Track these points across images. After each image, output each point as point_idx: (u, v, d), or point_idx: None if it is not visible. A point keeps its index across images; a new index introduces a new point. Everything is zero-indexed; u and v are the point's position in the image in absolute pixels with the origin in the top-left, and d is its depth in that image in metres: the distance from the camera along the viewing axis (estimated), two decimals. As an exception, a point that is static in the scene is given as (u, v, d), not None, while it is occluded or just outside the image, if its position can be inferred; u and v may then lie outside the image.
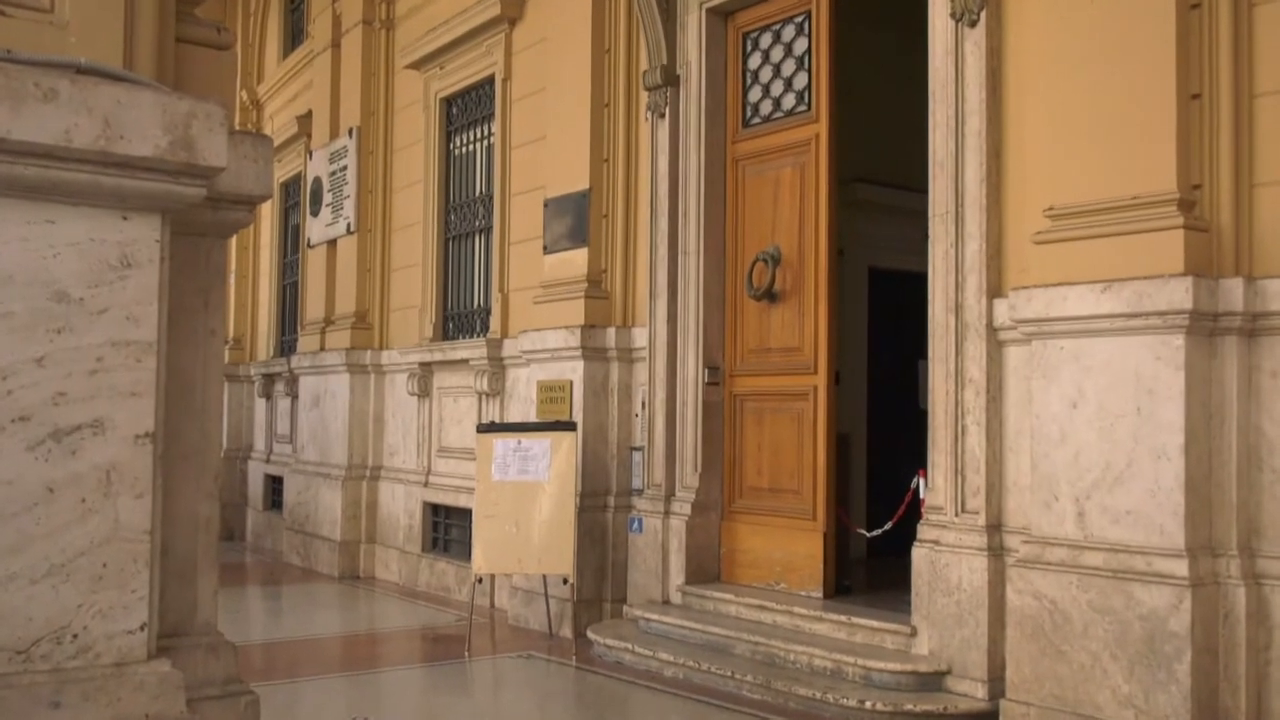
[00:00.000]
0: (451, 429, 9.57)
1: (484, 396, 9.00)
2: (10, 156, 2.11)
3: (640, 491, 7.50)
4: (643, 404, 7.56)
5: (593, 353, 7.70)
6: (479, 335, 9.37)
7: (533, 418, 8.00)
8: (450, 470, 9.55)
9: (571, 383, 7.73)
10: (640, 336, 7.63)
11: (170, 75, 2.59)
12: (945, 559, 5.50)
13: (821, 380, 6.73)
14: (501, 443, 7.40)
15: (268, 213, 13.47)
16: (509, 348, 8.68)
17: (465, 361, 9.14)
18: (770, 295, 6.95)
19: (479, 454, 7.54)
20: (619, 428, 7.69)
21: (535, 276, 8.39)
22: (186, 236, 2.58)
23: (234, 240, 13.69)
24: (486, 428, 7.66)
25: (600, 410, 7.71)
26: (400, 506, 10.12)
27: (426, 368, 9.77)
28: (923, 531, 5.69)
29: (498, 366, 8.82)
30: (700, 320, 7.26)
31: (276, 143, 12.80)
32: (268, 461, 13.30)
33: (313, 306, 11.71)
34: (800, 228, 6.87)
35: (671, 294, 7.37)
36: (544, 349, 7.94)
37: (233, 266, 13.97)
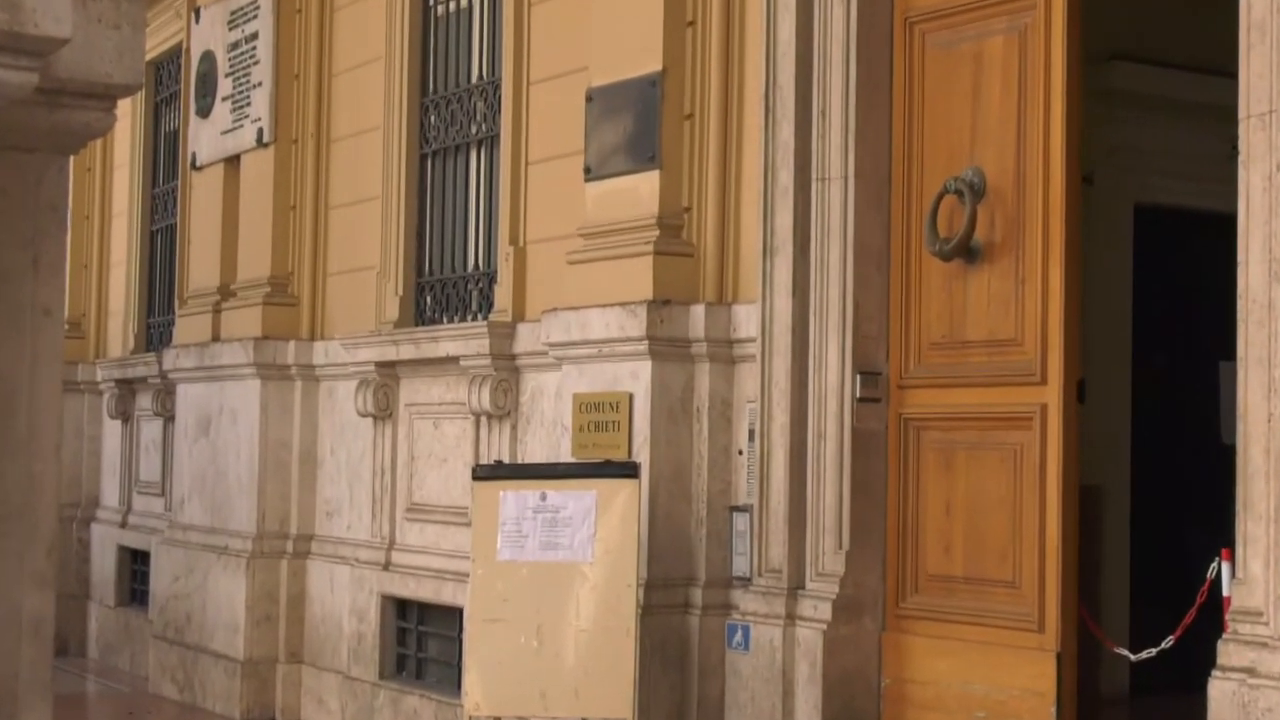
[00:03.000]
0: (429, 473, 9.56)
1: (484, 419, 9.00)
2: None
3: (747, 581, 7.49)
4: (751, 433, 7.53)
5: (668, 346, 7.70)
6: (476, 316, 9.36)
7: (567, 455, 8.00)
8: (427, 542, 9.54)
9: (631, 396, 7.73)
10: (747, 319, 7.62)
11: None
12: (1266, 699, 5.41)
13: (1054, 395, 6.73)
14: (514, 497, 7.41)
15: (125, 113, 13.40)
16: (526, 338, 8.68)
17: (454, 361, 9.14)
18: (967, 252, 6.96)
19: (476, 516, 7.51)
20: (710, 473, 7.68)
21: (571, 218, 8.38)
22: (5, 152, 2.61)
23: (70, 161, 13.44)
24: (489, 472, 7.65)
25: (680, 443, 7.71)
26: (344, 602, 10.11)
27: (388, 371, 9.80)
28: (1226, 652, 5.62)
29: (508, 369, 8.82)
30: (848, 293, 7.26)
31: (142, -4, 12.93)
32: (124, 525, 13.39)
33: (200, 268, 11.77)
34: (1019, 137, 6.86)
35: (800, 248, 7.36)
36: (586, 340, 7.97)
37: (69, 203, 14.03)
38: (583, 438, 7.96)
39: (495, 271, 9.22)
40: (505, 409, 8.85)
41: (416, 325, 9.85)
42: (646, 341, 7.68)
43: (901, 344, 7.30)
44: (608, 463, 7.57)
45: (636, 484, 7.38)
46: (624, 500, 7.33)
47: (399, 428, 9.85)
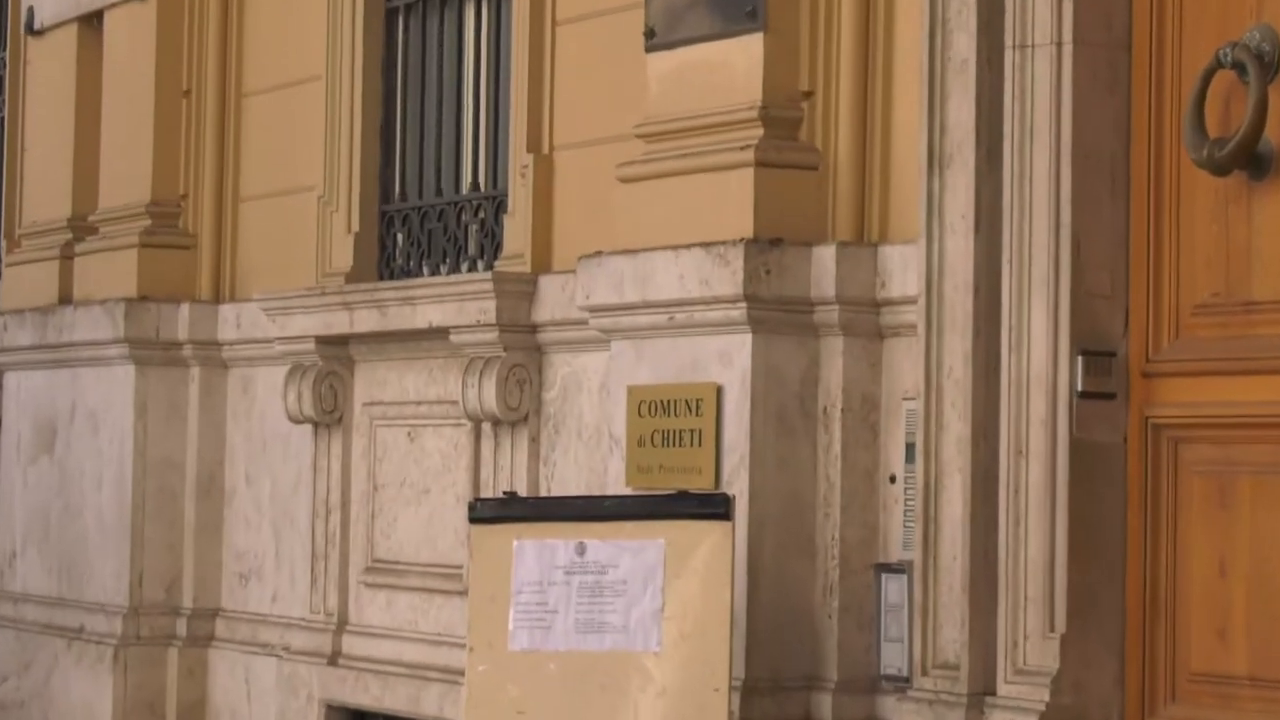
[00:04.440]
0: (402, 512, 9.68)
1: (488, 427, 9.12)
2: None
3: (904, 683, 7.33)
4: (909, 449, 7.45)
5: (778, 311, 7.63)
6: (474, 265, 9.60)
7: (619, 484, 8.05)
8: (398, 621, 9.65)
9: (720, 390, 7.71)
10: (903, 269, 7.51)
11: None
12: None
13: (1394, 393, 6.60)
14: (537, 550, 7.38)
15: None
16: (553, 298, 8.81)
17: (440, 334, 9.26)
18: (1253, 159, 6.64)
19: (476, 580, 7.53)
20: (845, 512, 7.64)
21: (624, 110, 8.44)
22: None
23: None
24: (496, 510, 7.66)
25: (798, 465, 7.69)
26: (267, 716, 10.36)
27: (337, 350, 9.95)
28: None
29: (525, 347, 8.93)
30: (1063, 227, 7.03)
31: None
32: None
33: (41, 190, 12.15)
34: (1333, -13, 6.73)
35: (988, 156, 7.20)
36: (648, 301, 7.95)
37: None
38: (644, 456, 7.98)
39: (504, 195, 9.30)
40: (521, 410, 8.90)
41: (381, 279, 10.01)
42: (744, 304, 7.59)
43: (1148, 307, 7.06)
44: (683, 495, 7.43)
45: (729, 528, 7.23)
46: (709, 554, 7.20)
47: (353, 439, 9.96)
